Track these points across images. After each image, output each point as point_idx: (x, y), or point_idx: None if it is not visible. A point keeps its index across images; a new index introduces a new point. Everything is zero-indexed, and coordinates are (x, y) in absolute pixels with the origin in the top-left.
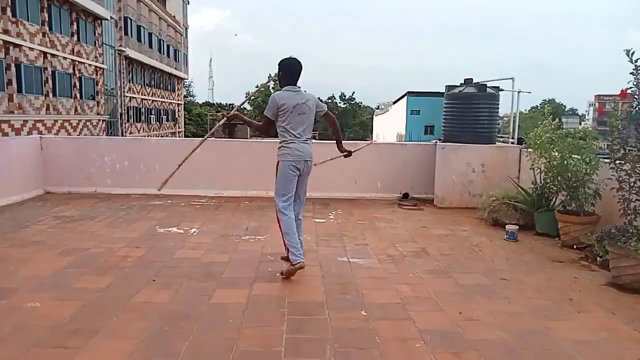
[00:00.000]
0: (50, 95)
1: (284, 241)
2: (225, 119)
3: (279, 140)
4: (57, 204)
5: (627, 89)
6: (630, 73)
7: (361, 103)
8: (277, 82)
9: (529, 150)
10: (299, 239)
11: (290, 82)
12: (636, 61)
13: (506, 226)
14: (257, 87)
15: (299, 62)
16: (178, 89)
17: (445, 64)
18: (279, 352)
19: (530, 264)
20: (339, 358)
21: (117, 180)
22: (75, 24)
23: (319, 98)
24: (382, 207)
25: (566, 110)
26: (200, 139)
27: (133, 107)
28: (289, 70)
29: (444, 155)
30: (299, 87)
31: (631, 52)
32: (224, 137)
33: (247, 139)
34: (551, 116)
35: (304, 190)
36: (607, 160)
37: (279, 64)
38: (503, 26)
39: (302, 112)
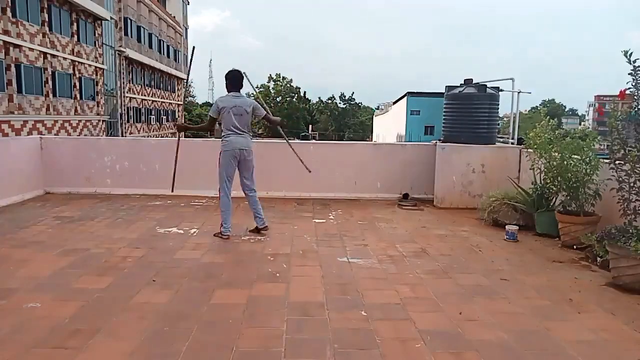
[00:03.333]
0: (50, 95)
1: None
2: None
3: (222, 135)
4: (57, 205)
5: (625, 89)
6: (629, 74)
7: (361, 103)
8: (277, 82)
9: (529, 150)
10: (254, 209)
11: (232, 89)
12: (634, 62)
13: (506, 226)
14: (257, 87)
15: (240, 73)
16: (178, 90)
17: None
18: (278, 352)
19: (530, 265)
20: (339, 358)
21: (117, 180)
22: (75, 24)
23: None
24: (382, 207)
25: (566, 110)
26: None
27: (133, 107)
28: (231, 80)
29: (444, 156)
30: (239, 93)
31: (629, 52)
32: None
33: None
34: (547, 117)
35: (249, 173)
36: (607, 161)
37: (225, 75)
38: (503, 26)
39: (239, 113)
